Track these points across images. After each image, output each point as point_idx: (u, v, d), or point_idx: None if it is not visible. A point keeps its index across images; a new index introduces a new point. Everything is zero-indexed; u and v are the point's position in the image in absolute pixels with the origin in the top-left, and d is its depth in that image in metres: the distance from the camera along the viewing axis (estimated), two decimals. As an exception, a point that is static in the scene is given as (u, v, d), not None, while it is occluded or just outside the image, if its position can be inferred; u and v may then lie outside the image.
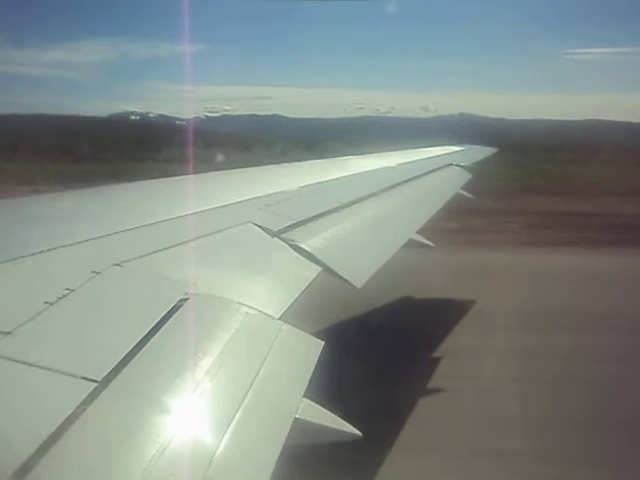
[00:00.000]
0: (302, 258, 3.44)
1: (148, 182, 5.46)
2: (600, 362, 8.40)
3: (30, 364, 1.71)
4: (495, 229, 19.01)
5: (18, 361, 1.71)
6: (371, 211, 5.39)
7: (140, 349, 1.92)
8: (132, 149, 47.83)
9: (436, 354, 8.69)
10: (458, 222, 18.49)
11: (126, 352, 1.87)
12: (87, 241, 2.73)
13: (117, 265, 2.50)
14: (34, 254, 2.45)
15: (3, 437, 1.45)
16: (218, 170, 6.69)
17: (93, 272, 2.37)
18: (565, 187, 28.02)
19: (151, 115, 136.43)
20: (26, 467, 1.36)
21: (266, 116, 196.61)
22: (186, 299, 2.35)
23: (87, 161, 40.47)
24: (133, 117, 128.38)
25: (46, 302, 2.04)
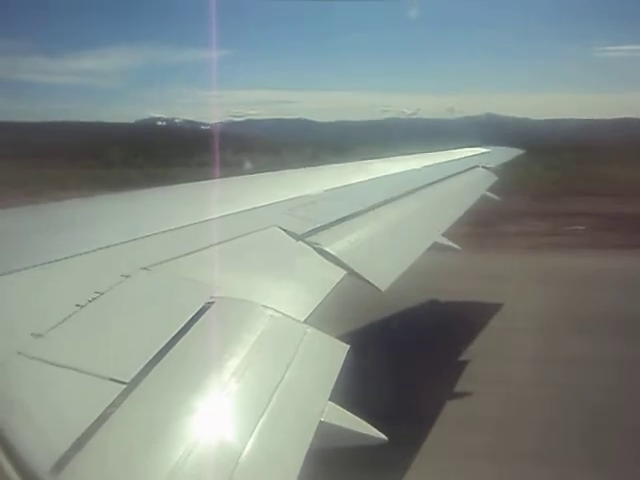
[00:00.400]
0: (327, 261, 3.44)
1: (174, 187, 5.54)
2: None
3: (61, 365, 1.75)
4: (560, 232, 18.58)
5: (49, 362, 1.75)
6: (396, 214, 5.36)
7: (167, 352, 1.94)
8: (162, 154, 48.42)
9: (463, 358, 8.60)
10: (519, 225, 18.16)
11: (153, 354, 1.90)
12: (116, 245, 2.79)
13: (145, 269, 2.54)
14: (64, 258, 2.51)
15: (37, 437, 1.49)
16: (248, 174, 6.75)
17: (122, 276, 2.41)
18: (607, 188, 27.21)
19: (177, 120, 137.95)
20: (59, 466, 1.39)
21: (291, 120, 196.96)
22: (212, 302, 2.37)
23: (122, 167, 41.21)
24: (159, 123, 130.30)
25: (77, 305, 2.09)
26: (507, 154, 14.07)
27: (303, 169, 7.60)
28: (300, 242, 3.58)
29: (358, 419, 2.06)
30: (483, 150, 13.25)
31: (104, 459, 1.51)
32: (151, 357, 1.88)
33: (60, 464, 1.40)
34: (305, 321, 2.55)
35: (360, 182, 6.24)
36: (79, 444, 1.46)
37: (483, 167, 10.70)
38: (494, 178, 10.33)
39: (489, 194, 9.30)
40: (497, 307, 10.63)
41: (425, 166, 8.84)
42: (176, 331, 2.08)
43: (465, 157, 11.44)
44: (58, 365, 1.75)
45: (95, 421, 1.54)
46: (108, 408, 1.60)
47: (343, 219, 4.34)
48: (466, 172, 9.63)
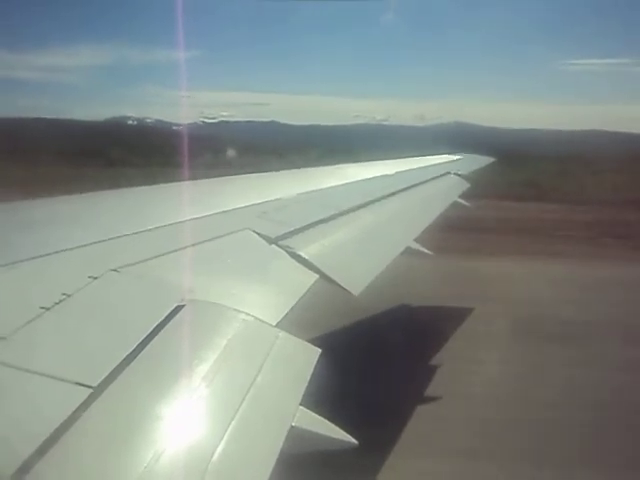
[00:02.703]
0: (299, 265, 3.43)
1: (146, 188, 5.46)
2: None
3: (25, 370, 1.70)
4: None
5: (13, 367, 1.70)
6: (369, 219, 5.39)
7: (136, 355, 1.91)
8: (140, 154, 47.10)
9: (434, 362, 8.69)
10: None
11: (122, 358, 1.86)
12: (85, 246, 2.73)
13: (114, 270, 2.50)
14: (31, 259, 2.45)
15: None
16: (222, 176, 6.71)
17: (90, 277, 2.36)
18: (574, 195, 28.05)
19: (148, 120, 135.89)
20: (22, 472, 1.35)
21: (263, 123, 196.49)
22: (183, 305, 2.34)
23: (100, 166, 40.15)
24: (130, 122, 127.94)
25: (42, 307, 2.04)
26: (478, 162, 14.33)
27: (276, 172, 7.60)
28: (273, 245, 3.57)
29: (329, 423, 2.06)
30: (455, 157, 13.46)
31: (69, 464, 1.47)
32: (120, 360, 1.84)
33: (23, 470, 1.36)
34: (277, 325, 2.54)
35: (334, 186, 6.26)
36: (43, 449, 1.42)
37: (455, 174, 10.88)
38: (466, 185, 10.51)
39: (460, 200, 9.45)
40: (468, 311, 10.80)
41: (398, 172, 8.93)
42: (146, 334, 2.05)
43: (437, 164, 11.61)
44: (22, 369, 1.70)
45: (60, 426, 1.50)
46: (74, 412, 1.56)
47: (316, 223, 4.34)
48: (438, 178, 9.78)
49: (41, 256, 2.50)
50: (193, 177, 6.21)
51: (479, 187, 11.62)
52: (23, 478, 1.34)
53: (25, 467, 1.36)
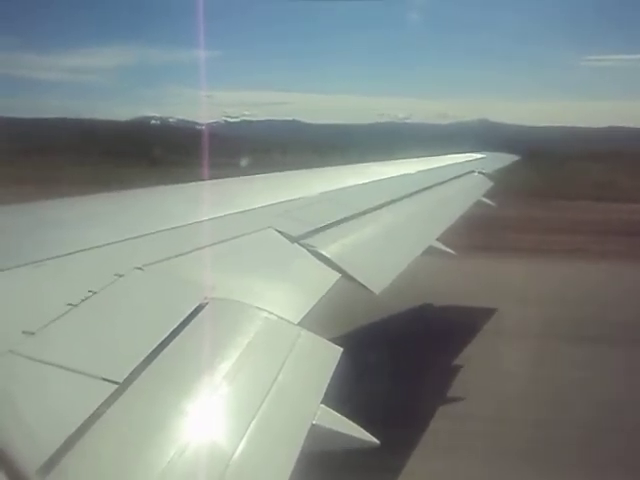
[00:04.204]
0: (321, 264, 3.44)
1: (170, 187, 5.53)
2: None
3: (53, 364, 1.74)
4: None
5: (41, 361, 1.74)
6: (391, 218, 5.37)
7: (160, 352, 1.93)
8: (178, 153, 47.08)
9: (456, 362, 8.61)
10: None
11: (146, 355, 1.89)
12: (110, 244, 2.78)
13: (139, 268, 2.53)
14: (58, 257, 2.49)
15: (26, 436, 1.47)
16: (244, 175, 6.75)
17: (115, 275, 2.40)
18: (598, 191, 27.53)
19: (171, 120, 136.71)
20: (48, 466, 1.38)
21: (285, 122, 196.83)
22: (206, 303, 2.36)
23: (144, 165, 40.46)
24: (153, 122, 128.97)
25: (69, 304, 2.08)
26: (502, 160, 14.17)
27: (299, 171, 7.60)
28: (295, 244, 3.58)
29: (350, 422, 2.06)
30: (479, 156, 13.33)
31: (94, 459, 1.50)
32: (144, 357, 1.87)
33: (49, 464, 1.38)
34: (299, 323, 2.54)
35: (356, 185, 6.25)
36: (69, 444, 1.45)
37: (479, 172, 10.78)
38: (490, 184, 10.40)
39: (484, 199, 9.35)
40: (489, 311, 10.67)
41: (421, 171, 8.87)
42: (169, 331, 2.07)
43: (461, 162, 11.52)
44: (50, 364, 1.74)
45: (86, 420, 1.53)
46: (100, 408, 1.59)
47: (338, 222, 4.35)
48: (462, 177, 9.69)
49: (68, 254, 2.54)
50: (216, 176, 6.26)
51: (504, 185, 11.34)
52: (49, 472, 1.37)
53: (51, 461, 1.39)
